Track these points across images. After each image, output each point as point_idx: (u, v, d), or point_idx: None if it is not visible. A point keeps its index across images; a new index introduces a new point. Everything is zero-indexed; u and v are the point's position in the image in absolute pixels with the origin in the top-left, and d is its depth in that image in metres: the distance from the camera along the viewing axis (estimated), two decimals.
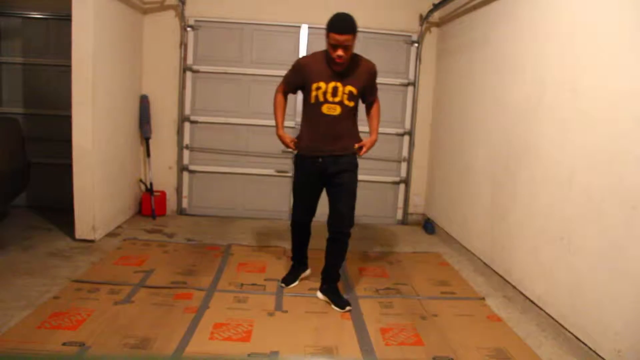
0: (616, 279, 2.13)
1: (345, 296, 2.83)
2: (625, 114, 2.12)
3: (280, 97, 2.87)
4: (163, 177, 4.69)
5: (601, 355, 2.17)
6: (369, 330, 2.50)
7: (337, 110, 2.65)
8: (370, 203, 4.69)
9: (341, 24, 2.48)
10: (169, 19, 4.52)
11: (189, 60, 4.58)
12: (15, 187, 3.70)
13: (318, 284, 2.91)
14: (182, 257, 3.46)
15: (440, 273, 3.43)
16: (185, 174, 4.75)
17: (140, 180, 4.63)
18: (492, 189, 3.36)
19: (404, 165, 4.83)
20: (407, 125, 4.78)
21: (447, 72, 4.42)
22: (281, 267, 3.34)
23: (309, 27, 4.55)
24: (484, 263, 3.41)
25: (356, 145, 2.76)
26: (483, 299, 2.99)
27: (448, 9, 4.30)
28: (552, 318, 2.55)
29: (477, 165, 3.63)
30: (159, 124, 4.62)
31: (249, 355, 2.20)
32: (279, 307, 2.73)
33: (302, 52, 4.58)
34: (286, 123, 4.62)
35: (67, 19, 3.57)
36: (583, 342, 2.29)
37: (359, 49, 2.71)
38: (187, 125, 4.67)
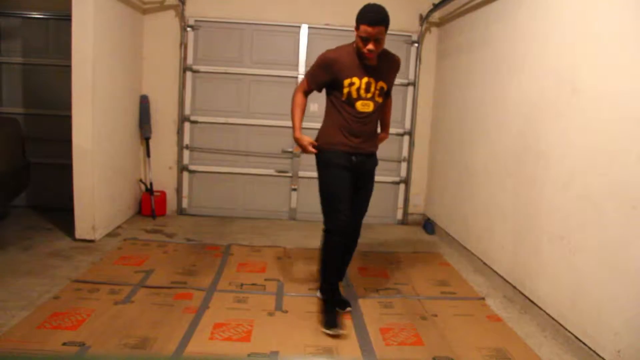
0: (616, 279, 2.13)
1: (345, 296, 2.83)
2: (625, 114, 2.12)
3: (301, 96, 2.59)
4: (163, 177, 4.69)
5: (601, 355, 2.17)
6: (369, 330, 2.50)
7: (370, 107, 2.50)
8: (370, 203, 4.67)
9: (373, 15, 2.28)
10: (169, 19, 4.52)
11: (189, 60, 4.58)
12: (15, 187, 3.70)
13: (318, 284, 2.90)
14: (182, 257, 3.46)
15: (440, 273, 3.43)
16: (185, 174, 4.75)
17: (140, 180, 4.63)
18: (492, 189, 3.36)
19: (404, 165, 4.83)
20: (407, 125, 4.78)
21: (447, 72, 4.42)
22: (281, 267, 3.34)
23: (309, 27, 4.56)
24: (484, 263, 3.41)
25: None
26: (483, 299, 2.99)
27: (448, 9, 4.30)
28: (552, 318, 2.55)
29: (477, 165, 3.63)
30: (159, 124, 4.62)
31: (249, 355, 2.20)
32: (279, 307, 2.73)
33: (302, 52, 4.58)
34: (285, 123, 4.70)
35: (67, 19, 3.57)
36: (583, 342, 2.29)
37: None
38: (187, 125, 4.67)
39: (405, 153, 4.82)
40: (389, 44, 2.44)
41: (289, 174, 4.73)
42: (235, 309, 2.66)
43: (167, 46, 4.54)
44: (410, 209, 4.88)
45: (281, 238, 4.07)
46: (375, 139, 2.65)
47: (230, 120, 4.66)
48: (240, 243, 3.89)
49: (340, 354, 2.27)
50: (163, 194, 4.64)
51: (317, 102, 4.02)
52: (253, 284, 3.03)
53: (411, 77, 4.71)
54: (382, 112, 2.73)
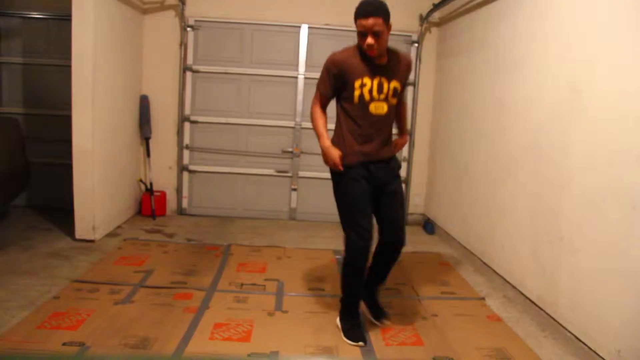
0: (616, 279, 2.13)
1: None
2: (625, 114, 2.12)
3: (318, 109, 2.43)
4: (163, 177, 4.69)
5: (601, 355, 2.17)
6: (368, 330, 2.50)
7: (384, 108, 2.35)
8: None
9: (365, 7, 2.21)
10: (169, 19, 4.52)
11: (189, 60, 4.58)
12: (15, 187, 3.70)
13: (319, 283, 2.90)
14: (182, 257, 3.46)
15: (440, 273, 3.43)
16: (185, 174, 4.75)
17: (140, 180, 4.63)
18: (492, 189, 3.36)
19: (404, 165, 4.83)
20: (407, 125, 4.77)
21: (447, 72, 4.42)
22: (281, 267, 3.34)
23: (309, 27, 4.56)
24: (484, 263, 3.41)
25: None
26: (483, 299, 2.99)
27: (448, 9, 4.30)
28: (552, 318, 2.55)
29: (477, 165, 3.63)
30: (159, 124, 4.62)
31: (249, 355, 2.20)
32: (279, 307, 2.73)
33: (302, 52, 4.58)
34: (285, 123, 4.71)
35: (67, 19, 3.57)
36: (583, 342, 2.29)
37: None
38: (187, 125, 4.67)
39: (405, 153, 4.81)
40: (389, 44, 2.43)
41: (289, 174, 4.73)
42: (235, 309, 2.66)
43: (167, 46, 4.54)
44: (410, 209, 4.88)
45: (281, 238, 4.07)
46: (391, 144, 2.50)
47: (230, 120, 4.66)
48: (240, 243, 3.89)
49: (340, 354, 2.27)
50: (163, 194, 4.64)
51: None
52: (253, 284, 3.03)
53: (411, 77, 4.70)
54: (397, 115, 2.58)
